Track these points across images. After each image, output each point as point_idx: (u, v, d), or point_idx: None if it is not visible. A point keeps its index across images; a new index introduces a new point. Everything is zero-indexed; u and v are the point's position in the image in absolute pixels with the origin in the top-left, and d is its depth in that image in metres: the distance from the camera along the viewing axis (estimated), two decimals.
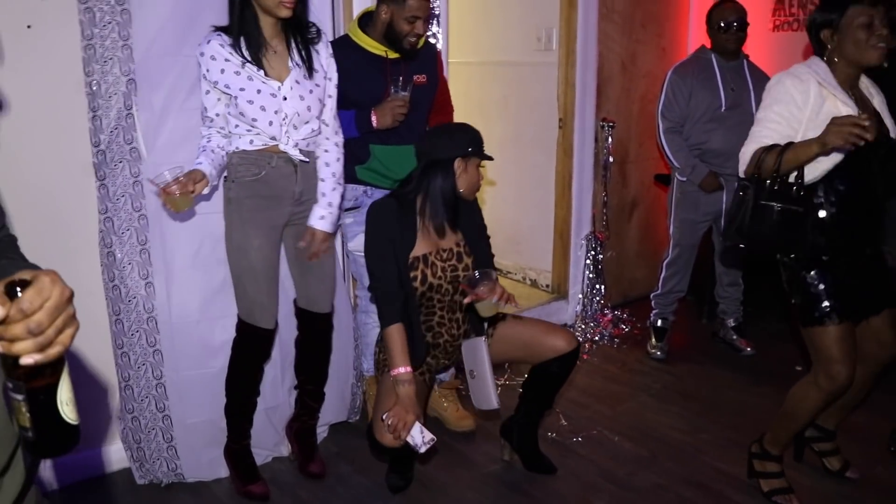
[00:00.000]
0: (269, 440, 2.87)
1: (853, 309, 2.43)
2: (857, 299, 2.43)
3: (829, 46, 2.34)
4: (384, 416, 2.39)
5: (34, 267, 1.01)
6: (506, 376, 3.65)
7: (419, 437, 2.40)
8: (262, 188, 2.44)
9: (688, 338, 4.16)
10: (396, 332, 2.46)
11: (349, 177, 2.89)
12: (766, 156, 2.32)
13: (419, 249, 2.50)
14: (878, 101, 2.44)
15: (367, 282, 2.99)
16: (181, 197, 2.23)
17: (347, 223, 2.99)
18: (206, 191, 2.34)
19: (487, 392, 2.58)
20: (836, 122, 2.11)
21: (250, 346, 2.60)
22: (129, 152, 2.52)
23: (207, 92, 2.39)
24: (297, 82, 2.42)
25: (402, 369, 2.44)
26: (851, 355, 2.39)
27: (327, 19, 2.96)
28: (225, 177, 2.48)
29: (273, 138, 2.41)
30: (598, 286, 4.27)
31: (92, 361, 2.65)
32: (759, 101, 3.53)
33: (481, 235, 2.66)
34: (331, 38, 2.93)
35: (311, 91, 2.46)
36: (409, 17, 2.72)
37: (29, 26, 2.38)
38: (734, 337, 4.01)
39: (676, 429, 3.20)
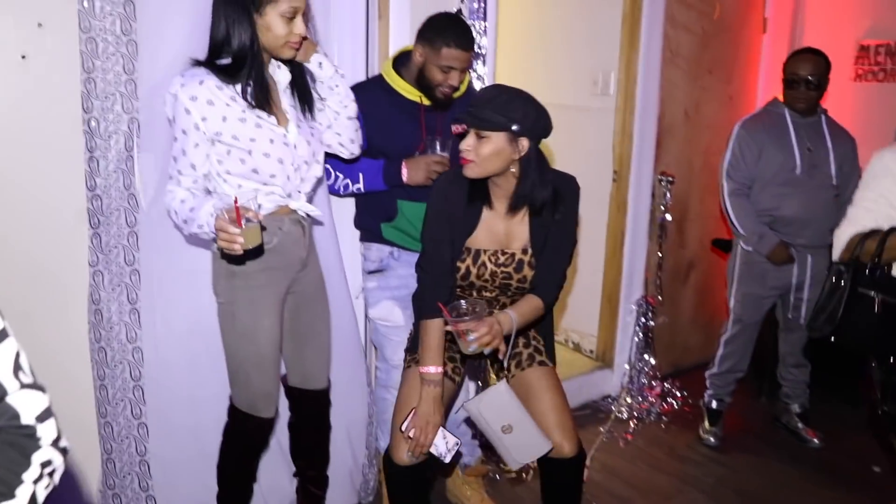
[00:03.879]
0: None
1: None
2: None
3: None
4: (404, 427, 2.11)
5: None
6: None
7: (443, 444, 2.13)
8: (273, 259, 2.09)
9: (745, 421, 3.73)
10: (436, 328, 2.12)
11: (374, 236, 2.59)
12: (866, 241, 2.04)
13: (476, 242, 2.15)
14: None
15: (388, 353, 2.70)
16: (250, 229, 1.85)
17: (370, 287, 2.68)
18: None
19: (535, 436, 2.10)
20: None
21: (248, 436, 2.27)
22: (126, 199, 2.25)
23: (196, 145, 1.98)
24: (299, 125, 2.12)
25: (433, 368, 2.12)
26: None
27: (361, 56, 2.68)
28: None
29: (287, 195, 2.11)
30: (646, 356, 3.89)
31: (74, 428, 2.36)
32: (838, 162, 3.20)
33: (559, 247, 2.19)
34: (363, 78, 2.65)
35: (312, 133, 2.16)
36: (443, 66, 2.42)
37: (24, 56, 2.13)
38: (799, 425, 3.57)
39: None
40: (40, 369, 1.13)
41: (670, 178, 3.83)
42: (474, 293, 2.21)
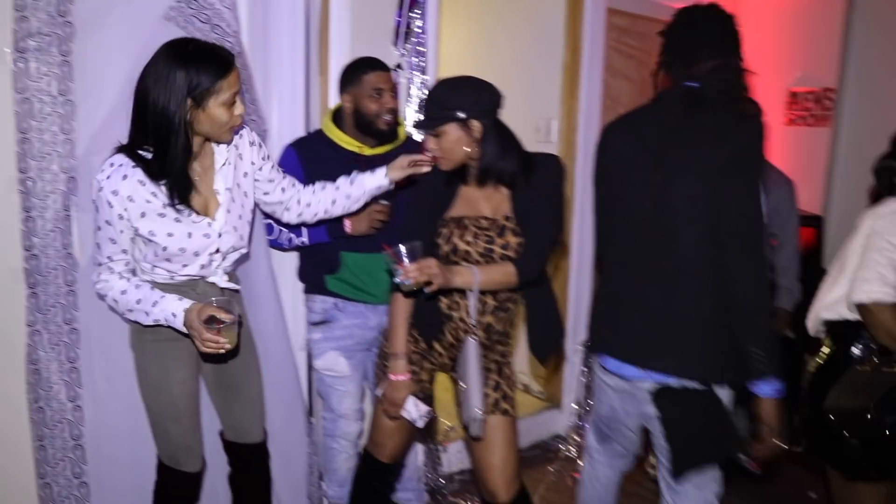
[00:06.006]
0: None
1: None
2: None
3: None
4: (378, 391, 2.29)
5: None
6: None
7: (414, 410, 2.25)
8: None
9: None
10: (400, 303, 2.25)
11: (318, 288, 2.62)
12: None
13: (457, 211, 2.21)
14: None
15: (334, 403, 2.72)
16: (229, 327, 1.92)
17: (315, 339, 2.69)
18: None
19: (470, 398, 2.10)
20: None
21: (176, 491, 2.27)
22: (64, 258, 2.24)
23: (122, 231, 1.98)
24: (228, 210, 2.12)
25: (399, 349, 2.25)
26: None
27: (300, 111, 2.72)
28: None
29: (203, 274, 2.14)
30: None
31: (12, 491, 2.33)
32: (774, 205, 3.32)
33: (541, 214, 2.18)
34: (302, 133, 2.70)
35: (240, 216, 2.16)
36: (371, 93, 2.49)
37: None
38: (741, 457, 3.65)
39: None
40: None
41: None
42: (461, 265, 2.18)
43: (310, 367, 2.83)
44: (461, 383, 2.16)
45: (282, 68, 2.65)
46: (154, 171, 1.94)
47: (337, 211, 2.38)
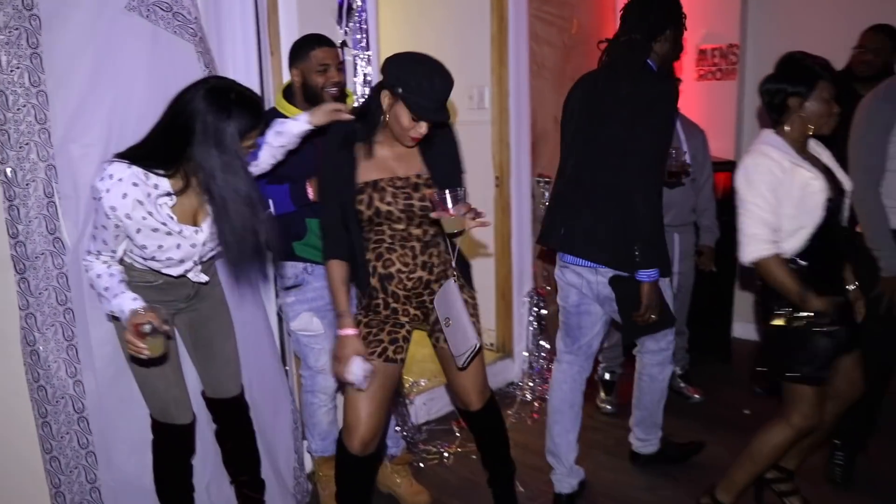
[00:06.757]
0: None
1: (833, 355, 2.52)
2: (837, 341, 2.51)
3: (789, 113, 2.46)
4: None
5: None
6: (456, 443, 3.56)
7: (359, 370, 2.30)
8: (154, 294, 2.29)
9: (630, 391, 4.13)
10: (334, 267, 2.39)
11: (287, 254, 2.79)
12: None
13: (368, 174, 2.34)
14: (826, 157, 2.56)
15: (311, 360, 2.90)
16: (156, 338, 2.05)
17: (288, 302, 2.87)
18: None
19: (464, 332, 2.34)
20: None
21: (172, 445, 2.45)
22: (52, 243, 2.36)
23: (117, 237, 2.14)
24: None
25: (342, 307, 2.36)
26: (825, 400, 2.55)
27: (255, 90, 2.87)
28: None
29: (183, 273, 2.30)
30: (542, 342, 4.23)
31: (20, 469, 2.44)
32: (692, 153, 3.64)
33: (453, 171, 2.44)
34: None
35: None
36: (317, 68, 2.67)
37: None
38: (682, 385, 4.02)
39: (634, 486, 3.19)
40: None
41: (547, 180, 4.20)
42: (385, 228, 2.37)
43: (279, 330, 3.02)
44: (446, 323, 2.37)
45: (235, 51, 2.81)
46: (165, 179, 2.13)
47: (274, 161, 2.55)
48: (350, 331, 2.35)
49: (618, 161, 2.63)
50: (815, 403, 2.51)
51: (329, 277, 2.41)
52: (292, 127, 2.49)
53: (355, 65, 3.12)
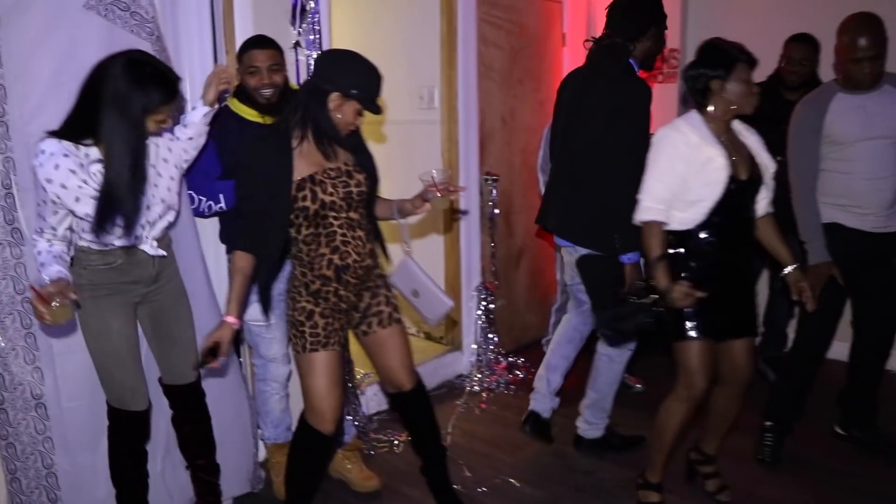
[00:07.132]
0: None
1: (716, 329, 2.71)
2: (723, 322, 2.73)
3: (712, 95, 2.62)
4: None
5: None
6: (406, 433, 3.67)
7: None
8: (116, 275, 2.38)
9: (579, 378, 4.27)
10: (243, 258, 2.41)
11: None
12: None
13: (303, 171, 2.39)
14: (752, 141, 2.74)
15: (263, 349, 2.99)
16: (62, 307, 2.10)
17: None
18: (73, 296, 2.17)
19: (436, 297, 2.68)
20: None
21: (127, 431, 2.53)
22: (10, 233, 2.42)
23: (55, 213, 2.23)
24: (156, 185, 2.37)
25: (233, 300, 2.40)
26: (708, 368, 2.71)
27: None
28: (71, 263, 2.33)
29: (134, 243, 2.38)
30: (490, 335, 4.37)
31: None
32: None
33: (369, 155, 2.57)
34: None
35: (168, 188, 2.42)
36: (249, 69, 2.74)
37: None
38: (625, 375, 4.18)
39: (576, 471, 3.33)
40: None
41: (495, 177, 4.35)
42: (331, 219, 2.44)
43: None
44: (415, 294, 2.67)
45: (192, 51, 2.90)
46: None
47: (189, 158, 2.58)
48: (232, 319, 2.38)
49: (597, 156, 2.95)
50: (695, 371, 2.68)
51: (235, 267, 2.43)
52: (193, 115, 2.57)
53: (308, 65, 3.21)
